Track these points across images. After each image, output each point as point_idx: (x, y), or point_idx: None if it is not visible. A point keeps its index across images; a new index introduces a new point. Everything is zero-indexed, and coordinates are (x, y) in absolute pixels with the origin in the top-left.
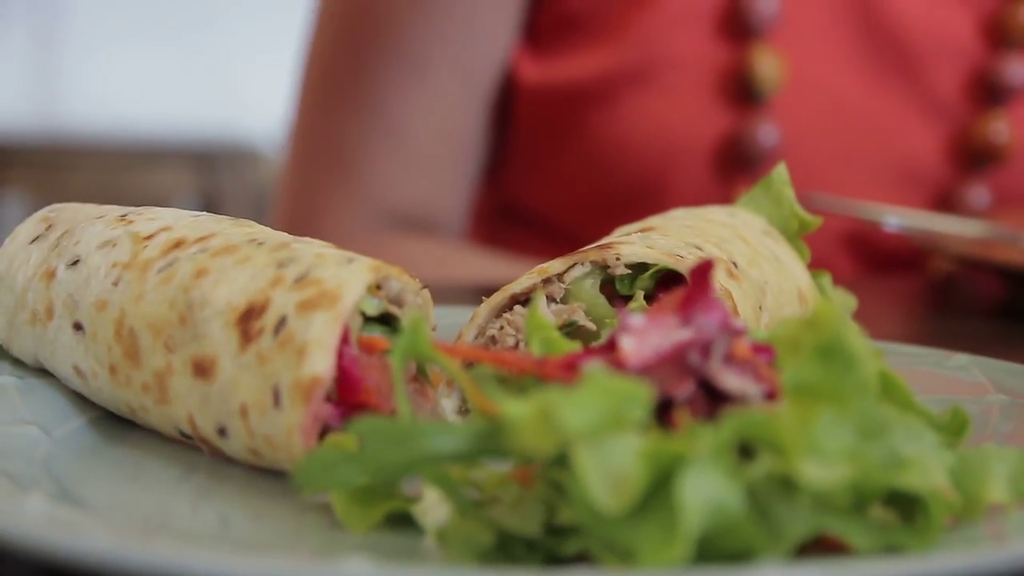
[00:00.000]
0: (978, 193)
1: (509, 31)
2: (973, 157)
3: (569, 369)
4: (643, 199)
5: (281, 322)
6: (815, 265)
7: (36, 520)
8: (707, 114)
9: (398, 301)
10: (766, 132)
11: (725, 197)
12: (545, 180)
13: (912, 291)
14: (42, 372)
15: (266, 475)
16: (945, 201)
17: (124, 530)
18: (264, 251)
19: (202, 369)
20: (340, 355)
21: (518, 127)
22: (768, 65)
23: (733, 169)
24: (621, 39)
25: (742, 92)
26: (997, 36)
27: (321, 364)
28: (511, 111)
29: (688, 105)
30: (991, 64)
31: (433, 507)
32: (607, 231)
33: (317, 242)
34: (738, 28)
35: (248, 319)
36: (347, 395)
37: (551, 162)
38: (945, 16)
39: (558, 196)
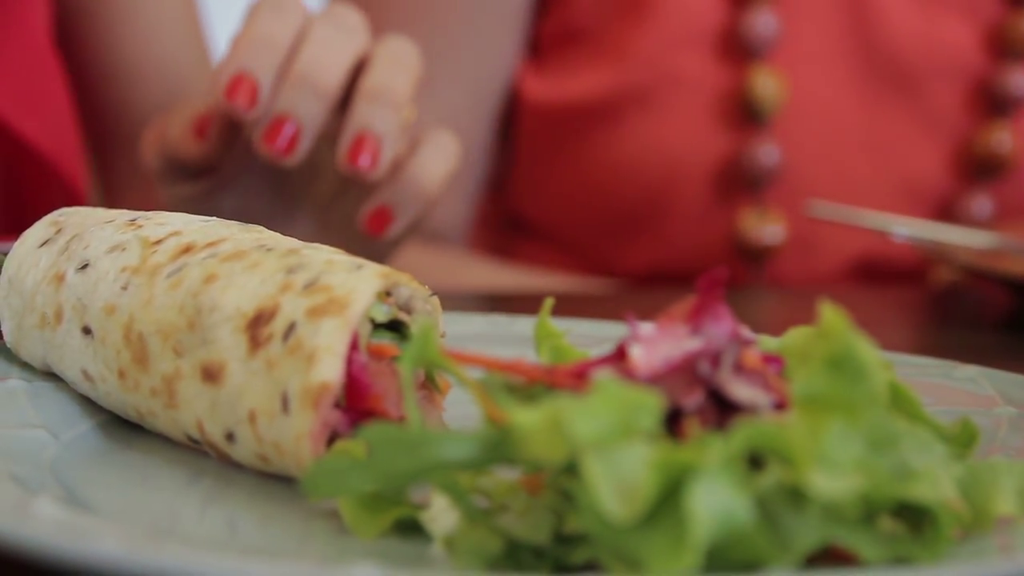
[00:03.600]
0: (981, 204)
1: (513, 46)
2: (976, 169)
3: (579, 378)
4: (645, 216)
5: (290, 328)
6: (822, 279)
7: (44, 524)
8: (708, 134)
9: (407, 308)
10: (767, 152)
11: (726, 216)
12: (549, 194)
13: (918, 302)
14: (50, 376)
15: (274, 481)
16: (948, 213)
17: (132, 534)
18: (273, 257)
19: (211, 374)
20: (349, 362)
21: (522, 140)
22: (768, 85)
23: (734, 189)
24: (623, 58)
25: (743, 113)
26: (999, 47)
27: (330, 370)
28: (516, 124)
29: (689, 125)
30: (994, 75)
31: (441, 514)
32: (612, 245)
33: (326, 248)
34: (738, 49)
35: (257, 325)
36: (356, 402)
37: (555, 177)
38: (945, 29)
39: (562, 210)
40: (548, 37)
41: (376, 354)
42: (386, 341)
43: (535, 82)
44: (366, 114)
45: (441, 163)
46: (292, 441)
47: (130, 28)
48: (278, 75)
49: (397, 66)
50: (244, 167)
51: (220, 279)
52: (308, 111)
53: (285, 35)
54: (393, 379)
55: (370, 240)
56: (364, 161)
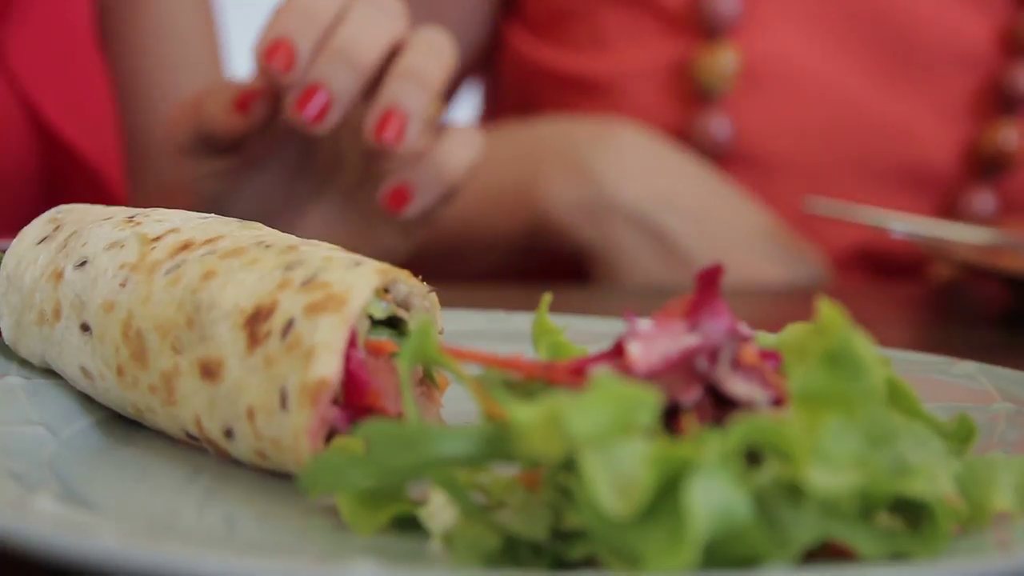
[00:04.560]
0: (984, 199)
1: (478, 12)
2: (982, 164)
3: (577, 374)
4: None
5: (288, 325)
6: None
7: (42, 520)
8: (662, 111)
9: (405, 304)
10: (718, 125)
11: None
12: None
13: (917, 298)
14: (49, 372)
15: (272, 477)
16: (951, 206)
17: (130, 531)
18: (272, 253)
19: (209, 371)
20: (347, 358)
21: (507, 93)
22: (726, 62)
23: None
24: (594, 43)
25: (695, 89)
26: (1011, 45)
27: (328, 367)
28: (498, 72)
29: (647, 104)
30: (1004, 72)
31: (440, 511)
32: None
33: (325, 245)
34: (701, 25)
35: (256, 321)
36: (354, 398)
37: None
38: (959, 23)
39: None
40: (532, 9)
41: (374, 351)
42: (384, 338)
43: (523, 39)
44: (396, 91)
45: (465, 153)
46: (290, 437)
47: (154, 60)
48: (316, 46)
49: (431, 53)
50: (272, 148)
51: (219, 276)
52: (341, 83)
53: (327, 10)
54: (391, 376)
55: (388, 232)
56: (389, 134)
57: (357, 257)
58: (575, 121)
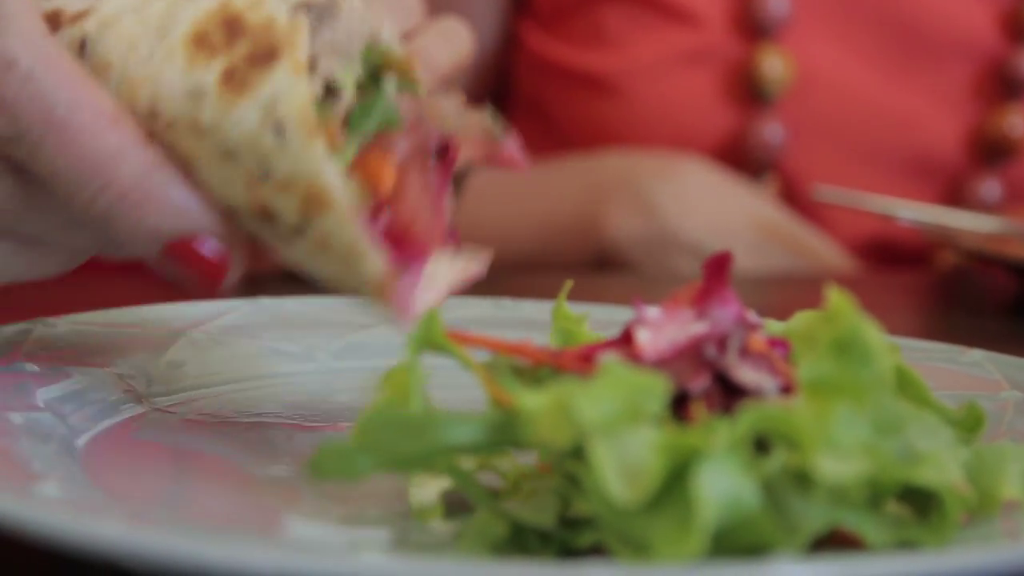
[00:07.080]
0: (990, 187)
1: (490, 16)
2: (987, 151)
3: (585, 361)
4: None
5: None
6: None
7: (51, 506)
8: (716, 109)
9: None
10: (771, 131)
11: None
12: (547, 154)
13: (924, 286)
14: (56, 359)
15: (282, 467)
16: (957, 194)
17: (140, 517)
18: None
19: None
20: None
21: (521, 91)
22: (776, 65)
23: (738, 167)
24: (627, 36)
25: (750, 90)
26: (1014, 30)
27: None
28: (514, 74)
29: (698, 100)
30: (1008, 58)
31: (424, 486)
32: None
33: None
34: (748, 27)
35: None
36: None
37: (553, 138)
38: (962, 9)
39: None
40: (544, 5)
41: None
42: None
43: (537, 40)
44: None
45: (447, 47)
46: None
47: None
48: None
49: (441, 38)
50: None
51: None
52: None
53: None
54: (414, 181)
55: None
56: None
57: None
58: (638, 155)
